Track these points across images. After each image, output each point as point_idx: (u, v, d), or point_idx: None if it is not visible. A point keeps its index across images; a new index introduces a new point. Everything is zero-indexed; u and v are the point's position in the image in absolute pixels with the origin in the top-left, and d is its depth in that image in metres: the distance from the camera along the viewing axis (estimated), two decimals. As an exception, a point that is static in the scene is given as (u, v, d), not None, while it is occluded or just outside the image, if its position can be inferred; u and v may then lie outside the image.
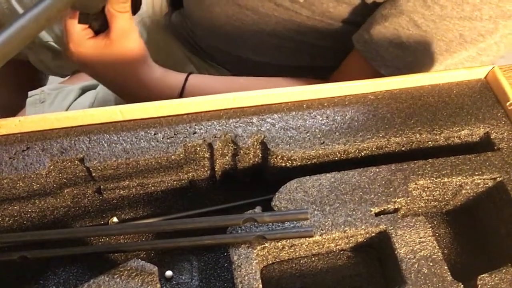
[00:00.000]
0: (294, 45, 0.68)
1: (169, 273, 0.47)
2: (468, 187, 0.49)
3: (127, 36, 0.56)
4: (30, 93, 0.78)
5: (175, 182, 0.52)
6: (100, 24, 0.56)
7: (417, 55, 0.58)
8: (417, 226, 0.45)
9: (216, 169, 0.52)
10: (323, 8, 0.61)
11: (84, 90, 0.79)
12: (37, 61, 0.92)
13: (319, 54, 0.69)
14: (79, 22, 0.53)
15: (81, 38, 0.55)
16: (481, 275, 0.42)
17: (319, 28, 0.64)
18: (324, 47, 0.67)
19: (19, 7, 0.85)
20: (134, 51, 0.57)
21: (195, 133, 0.49)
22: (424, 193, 0.49)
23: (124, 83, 0.60)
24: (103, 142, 0.48)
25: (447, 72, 0.54)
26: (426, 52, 0.57)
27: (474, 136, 0.51)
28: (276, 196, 0.46)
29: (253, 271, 0.42)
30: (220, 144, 0.49)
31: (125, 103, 0.76)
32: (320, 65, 0.70)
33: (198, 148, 0.49)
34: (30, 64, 0.94)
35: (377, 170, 0.48)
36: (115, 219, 0.52)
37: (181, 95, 0.62)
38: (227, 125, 0.50)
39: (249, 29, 0.67)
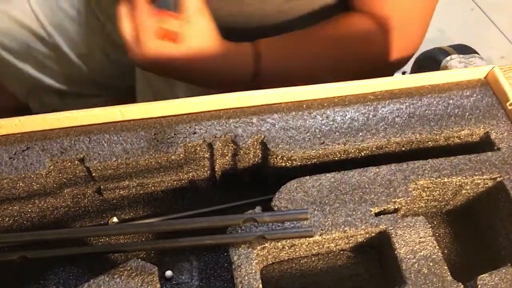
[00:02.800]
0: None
1: (169, 273, 0.47)
2: (468, 187, 0.49)
3: (202, 14, 0.52)
4: None
5: (175, 182, 0.52)
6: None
7: None
8: (417, 226, 0.45)
9: (216, 169, 0.52)
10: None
11: None
12: (39, 106, 0.86)
13: None
14: None
15: (150, 33, 0.51)
16: (481, 275, 0.42)
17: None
18: None
19: (63, 42, 0.80)
20: (211, 37, 0.54)
21: (195, 133, 0.49)
22: (424, 193, 0.49)
23: (208, 71, 0.57)
24: (103, 142, 0.48)
25: (447, 72, 0.54)
26: None
27: (474, 136, 0.51)
28: (276, 196, 0.46)
29: (253, 271, 0.42)
30: (220, 144, 0.49)
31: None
32: None
33: (198, 148, 0.49)
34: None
35: (377, 170, 0.48)
36: (115, 219, 0.52)
37: (256, 68, 0.58)
38: (227, 125, 0.50)
39: (251, 25, 0.68)
